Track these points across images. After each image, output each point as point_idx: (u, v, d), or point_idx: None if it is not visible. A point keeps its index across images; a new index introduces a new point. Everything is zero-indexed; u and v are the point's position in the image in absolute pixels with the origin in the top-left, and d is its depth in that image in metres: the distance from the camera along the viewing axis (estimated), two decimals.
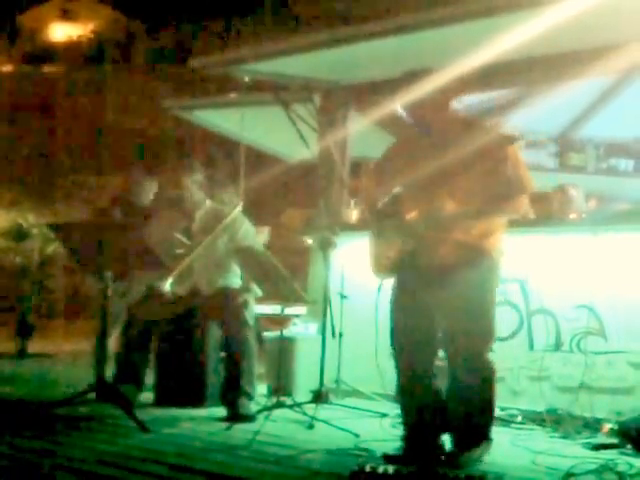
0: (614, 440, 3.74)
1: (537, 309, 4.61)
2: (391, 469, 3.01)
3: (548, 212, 5.94)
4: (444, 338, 3.52)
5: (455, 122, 3.60)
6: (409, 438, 3.52)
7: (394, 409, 4.07)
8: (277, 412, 4.30)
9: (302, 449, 3.58)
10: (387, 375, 3.96)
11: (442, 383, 3.58)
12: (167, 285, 4.67)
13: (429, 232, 3.40)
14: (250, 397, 4.58)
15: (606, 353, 4.34)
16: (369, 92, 5.76)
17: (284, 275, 4.40)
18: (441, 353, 3.57)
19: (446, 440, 3.53)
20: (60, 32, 26.90)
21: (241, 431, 4.02)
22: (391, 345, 3.61)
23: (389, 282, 3.68)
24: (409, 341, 3.52)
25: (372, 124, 6.12)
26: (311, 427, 4.14)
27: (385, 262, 3.58)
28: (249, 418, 4.35)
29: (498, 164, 3.41)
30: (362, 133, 6.12)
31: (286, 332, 5.10)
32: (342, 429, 4.01)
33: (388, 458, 3.36)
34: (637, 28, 4.51)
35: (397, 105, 3.52)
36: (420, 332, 3.50)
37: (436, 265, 3.45)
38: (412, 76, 3.45)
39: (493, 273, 3.52)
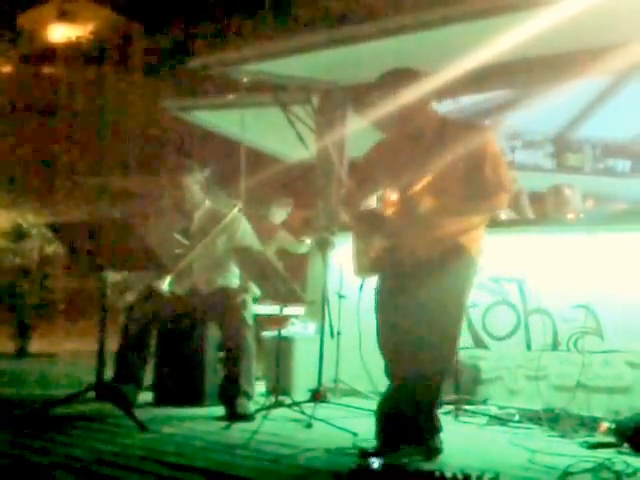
0: (611, 439, 3.75)
1: (534, 309, 4.63)
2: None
3: (543, 212, 5.96)
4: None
5: (436, 122, 3.59)
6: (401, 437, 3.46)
7: None
8: (276, 411, 4.32)
9: (301, 448, 3.58)
10: (375, 374, 3.97)
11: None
12: (165, 285, 4.69)
13: (411, 231, 3.42)
14: (249, 396, 4.59)
15: (603, 352, 4.36)
16: (367, 93, 5.77)
17: (282, 275, 4.42)
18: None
19: (444, 440, 3.55)
20: (59, 33, 26.89)
21: (240, 430, 4.03)
22: (379, 346, 3.59)
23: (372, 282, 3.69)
24: (402, 342, 3.47)
25: (370, 124, 6.13)
26: (309, 426, 4.15)
27: (366, 262, 3.59)
28: (248, 417, 4.36)
29: (479, 163, 3.42)
30: (360, 133, 6.13)
31: (284, 332, 5.12)
32: (340, 428, 4.02)
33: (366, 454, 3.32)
34: (634, 29, 4.53)
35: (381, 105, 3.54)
36: (416, 332, 3.44)
37: (417, 262, 3.45)
38: (401, 76, 3.48)
39: (469, 271, 3.50)
